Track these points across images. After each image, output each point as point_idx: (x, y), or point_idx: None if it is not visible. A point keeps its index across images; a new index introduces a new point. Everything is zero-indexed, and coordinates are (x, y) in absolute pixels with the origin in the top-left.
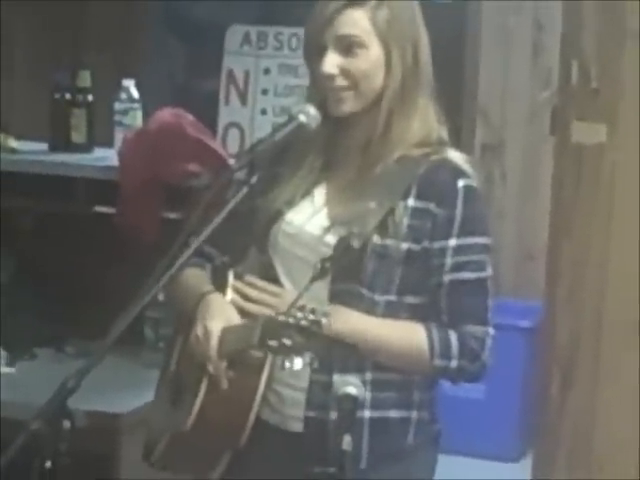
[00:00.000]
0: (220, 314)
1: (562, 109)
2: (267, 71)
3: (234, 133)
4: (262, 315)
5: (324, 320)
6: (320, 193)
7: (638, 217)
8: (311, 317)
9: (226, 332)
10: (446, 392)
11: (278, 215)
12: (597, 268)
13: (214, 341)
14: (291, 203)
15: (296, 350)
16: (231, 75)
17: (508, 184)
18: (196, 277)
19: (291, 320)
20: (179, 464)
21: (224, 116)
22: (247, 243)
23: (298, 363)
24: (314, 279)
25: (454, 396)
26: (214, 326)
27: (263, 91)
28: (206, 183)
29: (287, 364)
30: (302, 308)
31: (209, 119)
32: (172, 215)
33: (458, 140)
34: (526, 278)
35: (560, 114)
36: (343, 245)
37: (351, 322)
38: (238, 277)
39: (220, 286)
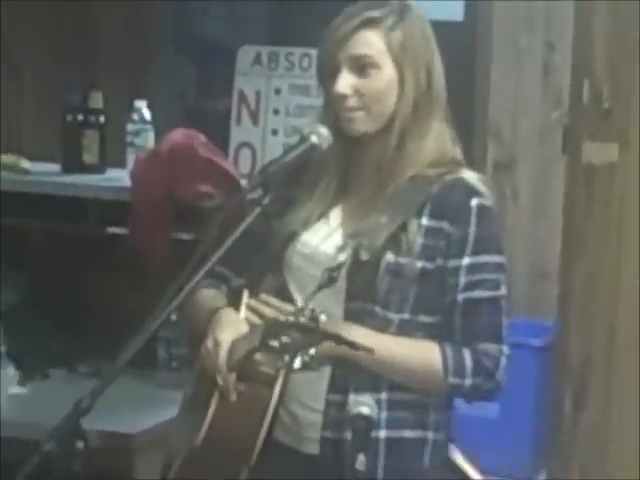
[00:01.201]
0: (231, 326)
1: (573, 129)
2: (278, 91)
3: (246, 153)
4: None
5: (322, 317)
6: (335, 214)
7: None
8: (309, 315)
9: (236, 342)
10: (460, 411)
11: (293, 236)
12: (609, 287)
13: (223, 352)
14: (306, 224)
15: (294, 347)
16: (242, 95)
17: (520, 202)
18: (212, 296)
19: (290, 319)
20: None
21: (235, 136)
22: (263, 266)
23: (297, 362)
24: (320, 287)
25: (468, 415)
26: (224, 337)
27: (274, 111)
28: (218, 204)
29: (287, 364)
30: (302, 309)
31: (221, 139)
32: (184, 236)
33: (470, 158)
34: (538, 297)
35: (571, 134)
36: (353, 258)
37: (364, 339)
38: (253, 296)
39: (235, 305)
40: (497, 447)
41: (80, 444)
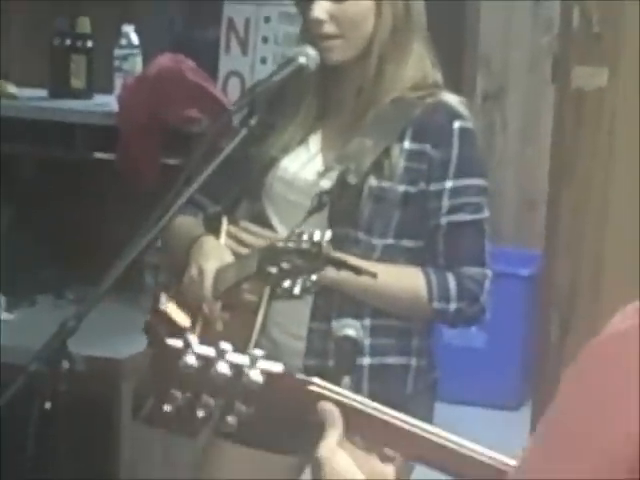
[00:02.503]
0: (214, 255)
1: (563, 54)
2: (268, 19)
3: (234, 82)
4: (259, 246)
5: (324, 241)
6: (315, 140)
7: (638, 161)
8: (311, 239)
9: (220, 272)
10: (447, 341)
11: (273, 162)
12: (597, 213)
13: (208, 281)
14: (286, 150)
15: (296, 273)
16: (231, 23)
17: (509, 132)
18: (189, 224)
19: (290, 245)
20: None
21: (225, 65)
22: (240, 192)
23: (297, 289)
24: (311, 212)
25: (455, 345)
26: (209, 266)
27: (264, 39)
28: (206, 129)
29: (286, 290)
30: (300, 235)
31: (210, 68)
32: (172, 161)
33: (459, 88)
34: (527, 226)
35: (561, 60)
36: (340, 182)
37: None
38: (232, 222)
39: (214, 233)
40: (484, 376)
41: (65, 364)
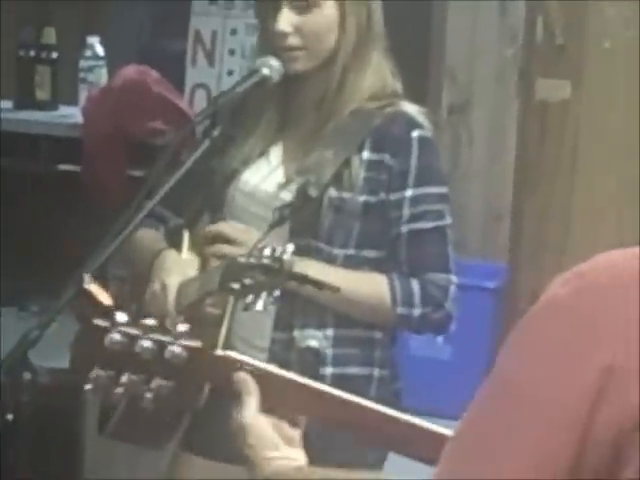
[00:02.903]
0: (177, 269)
1: (526, 67)
2: (234, 32)
3: (201, 94)
4: (221, 262)
5: (286, 257)
6: (276, 152)
7: (601, 173)
8: (273, 254)
9: (183, 286)
10: (412, 352)
11: (234, 174)
12: (560, 225)
13: (171, 296)
14: (247, 162)
15: (258, 289)
16: (198, 36)
17: (475, 145)
18: (150, 237)
19: (252, 260)
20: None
21: (191, 77)
22: (201, 205)
23: (260, 304)
24: (272, 226)
25: (421, 357)
26: (171, 281)
27: (230, 52)
28: (169, 141)
29: (250, 305)
30: (262, 249)
31: (176, 80)
32: (138, 173)
33: (425, 101)
34: (493, 239)
35: (524, 72)
36: (301, 194)
37: (313, 271)
38: (194, 236)
39: (175, 246)
40: (450, 388)
41: (27, 375)
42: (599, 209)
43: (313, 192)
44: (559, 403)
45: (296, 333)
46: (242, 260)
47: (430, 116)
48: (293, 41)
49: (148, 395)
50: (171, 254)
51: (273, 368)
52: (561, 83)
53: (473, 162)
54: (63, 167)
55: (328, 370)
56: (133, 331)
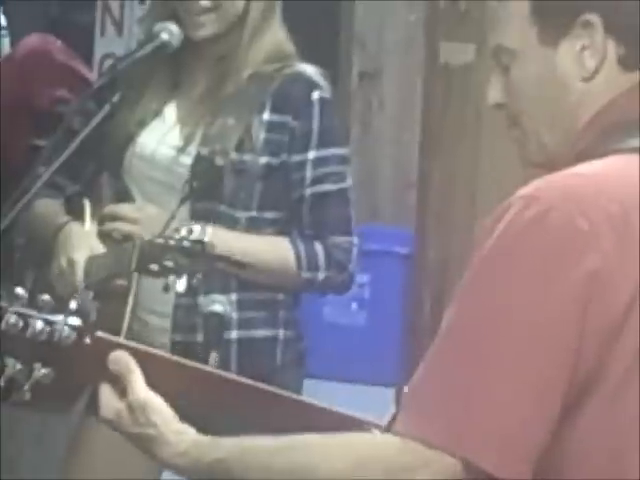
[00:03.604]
0: (83, 244)
1: (430, 31)
2: (143, 1)
3: (110, 64)
4: (136, 240)
5: (206, 239)
6: (170, 112)
7: (506, 136)
8: (192, 237)
9: (91, 261)
10: (326, 319)
11: (130, 138)
12: (466, 189)
13: (80, 271)
14: (142, 124)
15: (180, 272)
16: (106, 5)
17: (386, 112)
18: (50, 208)
19: (171, 242)
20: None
21: (100, 47)
22: (99, 171)
23: (181, 285)
24: (184, 200)
25: (334, 323)
26: (78, 256)
27: (139, 21)
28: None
29: (171, 286)
30: (178, 230)
31: (85, 50)
32: (43, 143)
33: (336, 69)
34: (404, 205)
35: (429, 36)
36: (206, 163)
37: (218, 238)
38: (96, 204)
39: (76, 216)
40: (365, 355)
41: None
42: (504, 173)
43: (220, 161)
44: (552, 318)
45: (200, 299)
46: (160, 241)
47: (327, 76)
48: (206, 3)
49: (26, 386)
50: (75, 228)
51: (153, 350)
52: (464, 47)
53: (384, 129)
54: None
55: (234, 334)
56: (28, 312)
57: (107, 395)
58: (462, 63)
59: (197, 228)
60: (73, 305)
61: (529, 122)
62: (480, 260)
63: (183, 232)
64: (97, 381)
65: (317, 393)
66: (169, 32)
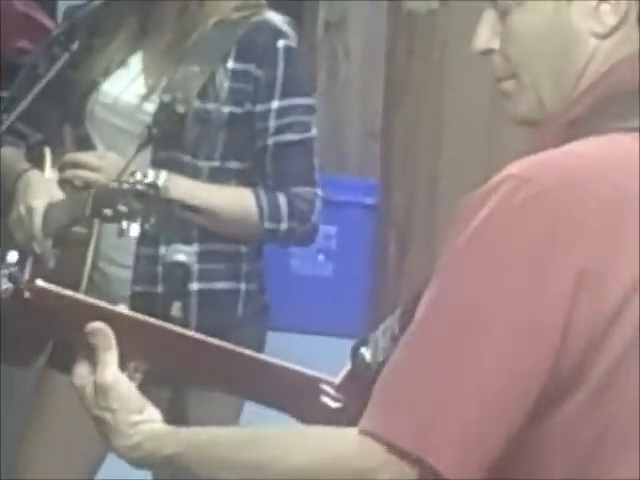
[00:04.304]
0: (42, 191)
1: None
2: None
3: None
4: (92, 186)
5: (160, 183)
6: (136, 61)
7: (470, 85)
8: (146, 181)
9: (50, 208)
10: (293, 271)
11: (93, 86)
12: (429, 139)
13: (38, 219)
14: (106, 73)
15: (133, 216)
16: None
17: (351, 62)
18: (12, 156)
19: (125, 186)
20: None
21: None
22: (61, 119)
23: (135, 230)
24: (142, 146)
25: (302, 275)
26: (37, 204)
27: None
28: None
29: (125, 231)
30: (133, 174)
31: (49, 5)
32: (4, 93)
33: (301, 18)
34: (370, 156)
35: None
36: (167, 111)
37: (177, 185)
38: (57, 152)
39: (37, 164)
40: (332, 305)
41: None
42: (468, 122)
43: (181, 108)
44: (536, 313)
45: (162, 249)
46: (114, 185)
47: (294, 25)
48: None
49: None
50: (35, 175)
51: (102, 303)
52: None
53: (350, 79)
54: None
55: (194, 285)
56: None
57: (81, 364)
58: (426, 10)
59: (151, 172)
60: (12, 257)
61: (529, 75)
62: (460, 248)
63: (138, 176)
64: (55, 334)
65: (284, 346)
66: None
